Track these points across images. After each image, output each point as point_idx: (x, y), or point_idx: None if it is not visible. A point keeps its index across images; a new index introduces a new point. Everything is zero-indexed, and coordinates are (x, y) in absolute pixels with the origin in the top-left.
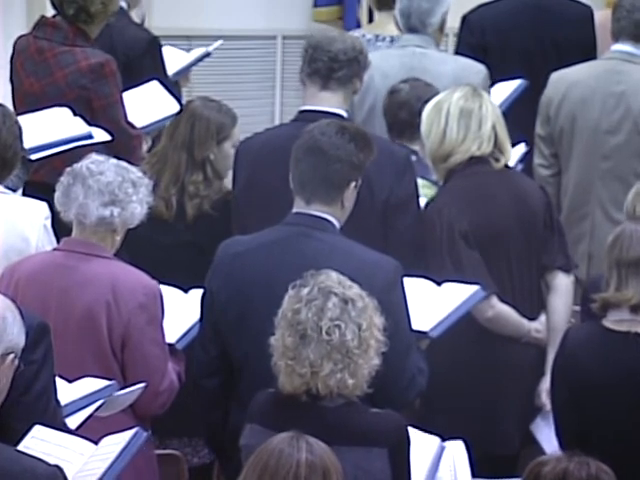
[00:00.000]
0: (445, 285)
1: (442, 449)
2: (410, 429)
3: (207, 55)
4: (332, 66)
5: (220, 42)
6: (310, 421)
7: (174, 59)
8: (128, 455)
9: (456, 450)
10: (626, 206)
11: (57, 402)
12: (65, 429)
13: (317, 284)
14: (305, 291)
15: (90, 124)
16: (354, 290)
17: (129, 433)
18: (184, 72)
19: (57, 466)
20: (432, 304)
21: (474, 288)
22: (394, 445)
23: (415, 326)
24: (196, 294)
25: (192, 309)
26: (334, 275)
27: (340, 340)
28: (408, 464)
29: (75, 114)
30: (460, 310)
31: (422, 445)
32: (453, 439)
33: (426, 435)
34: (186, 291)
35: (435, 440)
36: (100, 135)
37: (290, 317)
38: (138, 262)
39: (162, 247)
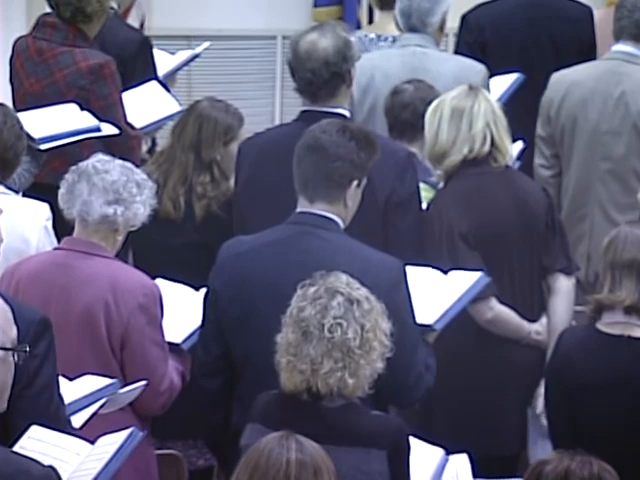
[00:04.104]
0: (451, 273)
1: (445, 461)
2: (414, 440)
3: (196, 57)
4: (315, 82)
5: (208, 44)
6: (310, 421)
7: (160, 61)
8: (123, 455)
9: (460, 463)
10: None
11: (60, 397)
12: (69, 424)
13: (325, 284)
14: (312, 290)
15: (100, 119)
16: (361, 292)
17: (125, 433)
18: (172, 74)
19: (51, 467)
20: (436, 295)
21: (477, 274)
22: (393, 447)
23: (419, 320)
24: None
25: (201, 308)
26: (344, 277)
27: (341, 338)
28: (407, 467)
29: (82, 109)
30: (464, 299)
31: (425, 456)
32: (456, 445)
33: (429, 446)
34: (197, 289)
35: (439, 451)
36: (108, 129)
37: (295, 314)
38: (146, 263)
39: (170, 248)
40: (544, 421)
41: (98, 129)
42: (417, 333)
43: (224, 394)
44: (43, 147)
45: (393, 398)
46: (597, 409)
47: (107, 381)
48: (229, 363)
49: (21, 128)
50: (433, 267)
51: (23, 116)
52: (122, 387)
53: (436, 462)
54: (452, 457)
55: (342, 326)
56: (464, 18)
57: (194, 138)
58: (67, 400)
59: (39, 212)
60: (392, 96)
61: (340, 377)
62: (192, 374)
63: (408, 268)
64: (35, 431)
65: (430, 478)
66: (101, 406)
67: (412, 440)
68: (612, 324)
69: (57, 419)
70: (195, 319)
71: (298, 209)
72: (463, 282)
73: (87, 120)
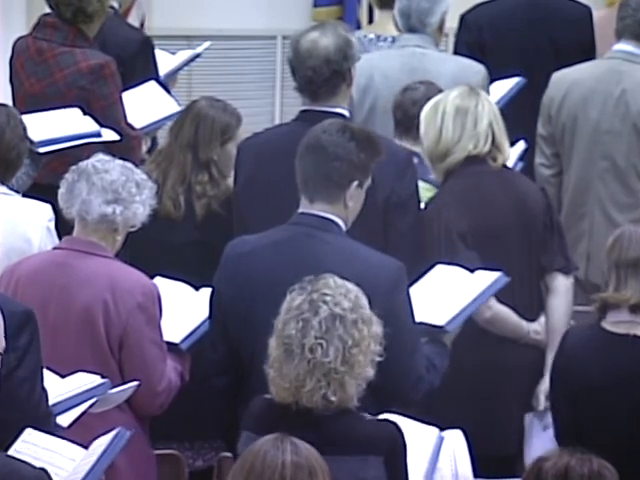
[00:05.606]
0: (477, 273)
1: (441, 439)
2: (408, 421)
3: (196, 56)
4: (316, 81)
5: (208, 43)
6: (304, 430)
7: (161, 61)
8: (111, 456)
9: (455, 440)
10: None
11: (44, 390)
12: (53, 418)
13: (312, 292)
14: (297, 302)
15: (101, 125)
16: (349, 298)
17: (112, 434)
18: (173, 74)
19: (43, 469)
20: (455, 295)
21: (497, 274)
22: (390, 452)
23: (431, 320)
24: (206, 292)
25: (200, 307)
26: (332, 281)
27: (321, 360)
28: (405, 472)
29: (85, 114)
30: (480, 299)
31: (421, 436)
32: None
33: (425, 426)
34: (197, 288)
35: (434, 431)
36: (109, 134)
37: (280, 328)
38: (147, 262)
39: (171, 247)
40: (547, 418)
41: (98, 134)
42: (417, 335)
43: (233, 392)
44: (42, 150)
45: (391, 399)
46: (602, 408)
47: (98, 380)
48: (236, 361)
49: (24, 129)
50: (461, 266)
51: (25, 119)
52: (116, 386)
53: (432, 442)
54: (447, 434)
55: (323, 346)
56: (463, 18)
57: (191, 138)
58: (57, 397)
59: (41, 212)
60: (403, 92)
61: (323, 394)
62: (192, 374)
63: (439, 267)
64: (30, 435)
65: (428, 460)
66: (91, 405)
67: (406, 421)
68: (617, 323)
69: (38, 411)
70: (194, 318)
71: (300, 210)
72: (482, 282)
73: (88, 125)
